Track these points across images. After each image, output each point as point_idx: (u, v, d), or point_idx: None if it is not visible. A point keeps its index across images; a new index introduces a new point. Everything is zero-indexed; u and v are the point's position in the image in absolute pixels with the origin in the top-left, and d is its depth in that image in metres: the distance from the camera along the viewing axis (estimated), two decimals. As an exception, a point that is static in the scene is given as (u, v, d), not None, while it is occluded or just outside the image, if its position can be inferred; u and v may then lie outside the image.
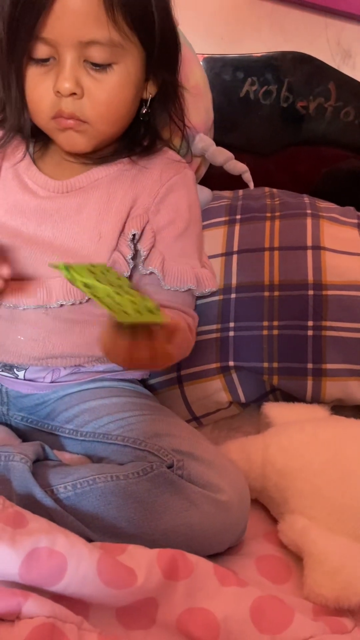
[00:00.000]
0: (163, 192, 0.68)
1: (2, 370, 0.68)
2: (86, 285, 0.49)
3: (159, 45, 0.62)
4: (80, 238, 0.66)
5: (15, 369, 0.68)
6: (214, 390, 0.77)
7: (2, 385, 0.70)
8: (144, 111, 0.67)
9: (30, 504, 0.54)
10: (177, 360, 0.69)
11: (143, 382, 0.78)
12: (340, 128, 1.06)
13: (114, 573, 0.47)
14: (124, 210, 0.66)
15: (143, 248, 0.67)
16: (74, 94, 0.59)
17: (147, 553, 0.50)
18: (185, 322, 0.68)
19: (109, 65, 0.59)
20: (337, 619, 0.50)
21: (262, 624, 0.47)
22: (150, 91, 0.65)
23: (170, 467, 0.58)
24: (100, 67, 0.59)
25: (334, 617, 0.51)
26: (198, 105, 0.86)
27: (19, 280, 0.65)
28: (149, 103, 0.66)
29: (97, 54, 0.58)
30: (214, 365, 0.77)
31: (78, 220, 0.66)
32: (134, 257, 0.68)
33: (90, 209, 0.66)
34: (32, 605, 0.44)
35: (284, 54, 1.03)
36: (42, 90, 0.61)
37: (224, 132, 1.00)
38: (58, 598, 0.46)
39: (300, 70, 1.03)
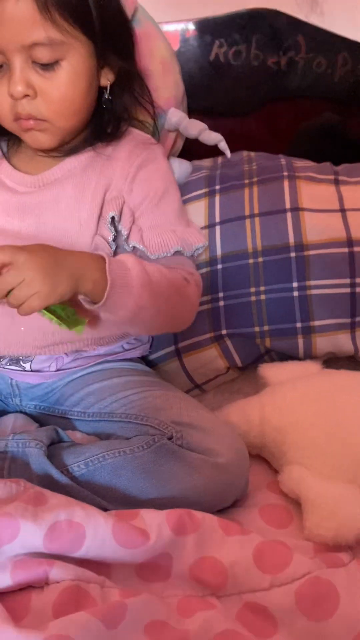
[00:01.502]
0: (133, 171, 0.71)
1: (10, 364, 0.73)
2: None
3: (103, 34, 0.63)
4: (62, 227, 0.69)
5: (21, 362, 0.73)
6: (211, 358, 0.82)
7: (11, 378, 0.75)
8: (105, 98, 0.68)
9: (48, 483, 0.60)
10: (177, 307, 0.71)
11: (144, 358, 0.83)
12: (313, 79, 1.05)
13: (128, 535, 0.53)
14: (99, 195, 0.69)
15: (124, 227, 0.70)
16: (27, 95, 0.62)
17: (157, 515, 0.56)
18: (181, 276, 0.71)
19: (56, 62, 0.62)
20: (334, 555, 0.55)
21: (264, 566, 0.53)
22: (108, 78, 0.67)
23: (170, 438, 0.63)
24: (48, 66, 0.61)
25: (331, 553, 0.56)
26: (167, 79, 0.87)
27: None
28: (109, 89, 0.68)
29: (42, 55, 0.60)
30: (208, 335, 0.81)
31: (58, 211, 0.69)
32: (116, 239, 0.71)
33: (67, 198, 0.69)
34: (58, 571, 0.50)
35: (248, 12, 1.02)
36: (0, 96, 0.63)
37: (199, 98, 1.00)
38: (82, 562, 0.52)
39: (268, 27, 1.02)
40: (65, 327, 0.60)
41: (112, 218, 0.70)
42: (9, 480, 0.57)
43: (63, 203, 0.69)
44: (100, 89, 0.69)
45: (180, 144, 0.93)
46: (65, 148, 0.70)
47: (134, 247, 0.72)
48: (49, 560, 0.50)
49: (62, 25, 0.60)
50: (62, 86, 0.62)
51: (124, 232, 0.70)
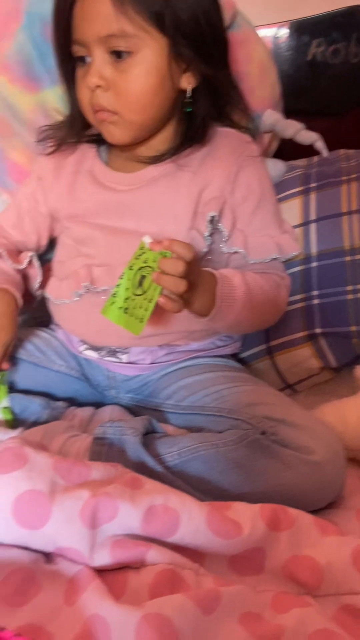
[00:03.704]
0: (235, 171, 0.71)
1: (108, 356, 0.76)
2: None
3: (180, 35, 0.64)
4: (160, 223, 0.71)
5: (118, 354, 0.76)
6: (304, 357, 0.80)
7: (109, 370, 0.78)
8: (186, 100, 0.68)
9: (143, 470, 0.61)
10: (268, 314, 0.75)
11: (235, 356, 0.83)
12: None
13: (222, 525, 0.53)
14: (194, 192, 0.71)
15: (225, 229, 0.71)
16: (101, 87, 0.65)
17: (251, 508, 0.55)
18: (275, 283, 0.73)
19: (129, 56, 0.64)
20: None
21: (365, 569, 0.51)
22: (190, 82, 0.68)
23: (263, 433, 0.63)
24: (122, 58, 0.64)
25: None
26: (264, 81, 0.88)
27: (108, 266, 0.71)
28: (190, 93, 0.68)
29: (116, 46, 0.63)
30: (301, 334, 0.79)
31: (154, 208, 0.71)
32: (213, 235, 0.72)
33: (162, 195, 0.71)
34: (154, 554, 0.51)
35: (349, 9, 1.00)
36: (82, 88, 0.67)
37: (295, 98, 1.00)
38: (176, 548, 0.52)
39: (367, 24, 1.00)
40: (128, 327, 0.62)
41: (212, 217, 0.71)
42: (108, 463, 0.59)
43: (158, 200, 0.71)
44: (176, 93, 0.69)
45: (275, 145, 0.93)
46: (152, 155, 0.71)
47: (234, 250, 0.73)
48: (146, 543, 0.51)
49: (135, 20, 0.62)
50: (131, 79, 0.65)
51: (225, 234, 0.71)
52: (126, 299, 0.60)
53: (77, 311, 0.75)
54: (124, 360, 0.75)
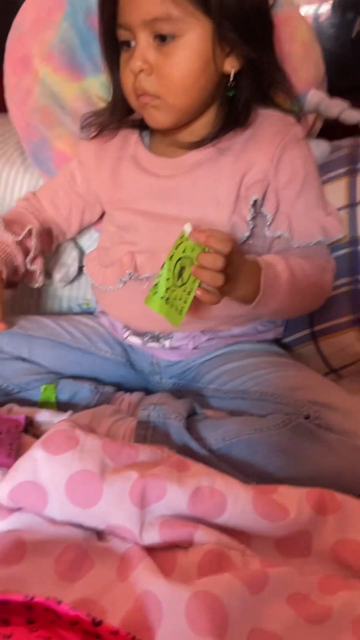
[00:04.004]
0: (278, 153, 0.70)
1: (151, 341, 0.77)
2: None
3: (226, 18, 0.63)
4: (201, 208, 0.71)
5: (161, 339, 0.77)
6: (349, 342, 0.79)
7: (153, 356, 0.79)
8: (230, 85, 0.68)
9: (187, 454, 0.62)
10: (312, 300, 0.74)
11: (278, 341, 0.83)
12: None
13: (268, 507, 0.53)
14: (238, 175, 0.70)
15: (269, 212, 0.70)
16: (144, 70, 0.64)
17: (297, 492, 0.56)
18: (319, 267, 0.72)
19: (173, 39, 0.63)
20: None
21: None
22: (233, 65, 0.67)
23: (307, 417, 0.63)
24: (166, 41, 0.63)
25: None
26: (307, 61, 0.86)
27: (151, 253, 0.72)
28: (233, 77, 0.67)
29: (160, 28, 0.63)
30: (347, 319, 0.78)
31: (196, 192, 0.71)
32: (255, 219, 0.71)
33: (205, 179, 0.71)
34: (202, 534, 0.52)
35: (395, -17, 0.97)
36: (126, 72, 0.67)
37: (339, 77, 0.97)
38: (223, 529, 0.53)
39: None
40: (168, 317, 0.62)
41: (255, 201, 0.70)
42: (154, 446, 0.60)
43: (201, 184, 0.71)
44: (219, 76, 0.68)
45: (319, 125, 0.91)
46: (193, 140, 0.70)
47: (278, 234, 0.72)
48: (193, 523, 0.52)
49: (180, 3, 0.62)
50: (175, 63, 0.64)
51: (269, 217, 0.71)
52: (167, 289, 0.61)
53: (121, 298, 0.76)
54: (167, 346, 0.76)
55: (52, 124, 0.84)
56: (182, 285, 0.61)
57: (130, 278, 0.73)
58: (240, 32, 0.65)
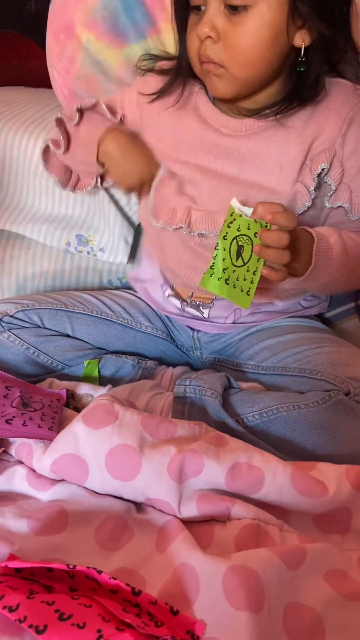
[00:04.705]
0: (347, 123, 0.67)
1: (191, 307, 0.76)
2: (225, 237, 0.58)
3: None
4: (262, 172, 0.69)
5: (201, 306, 0.76)
6: (394, 316, 0.77)
7: (193, 330, 0.79)
8: (300, 59, 0.64)
9: (224, 430, 0.62)
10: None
11: (320, 316, 0.81)
12: None
13: (307, 484, 0.53)
14: (305, 142, 0.67)
15: (333, 182, 0.68)
16: (210, 38, 0.62)
17: (336, 468, 0.55)
18: None
19: (245, 9, 0.60)
20: None
21: None
22: (304, 39, 0.63)
23: (347, 394, 0.61)
24: (237, 11, 0.61)
25: None
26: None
27: (207, 211, 0.70)
28: (303, 51, 0.64)
29: (232, 0, 0.60)
30: (392, 292, 0.76)
31: (259, 155, 0.69)
32: (317, 189, 0.69)
33: (270, 144, 0.69)
34: (239, 509, 0.52)
35: None
36: (192, 37, 0.65)
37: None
38: (261, 505, 0.54)
39: None
40: (232, 298, 0.60)
41: (322, 170, 0.67)
42: (192, 422, 0.61)
43: (264, 149, 0.69)
44: (288, 50, 0.65)
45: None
46: (256, 108, 0.68)
47: (339, 206, 0.69)
48: (231, 498, 0.53)
49: None
50: (244, 33, 0.62)
51: (333, 187, 0.68)
52: (225, 269, 0.59)
53: (171, 243, 0.74)
54: (206, 315, 0.76)
55: (97, 91, 0.83)
56: (243, 265, 0.59)
57: (183, 231, 0.71)
58: (315, 7, 0.61)
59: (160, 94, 0.73)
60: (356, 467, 0.55)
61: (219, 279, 0.59)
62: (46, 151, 0.79)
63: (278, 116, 0.67)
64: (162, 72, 0.75)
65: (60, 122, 0.78)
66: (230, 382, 0.71)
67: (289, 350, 0.71)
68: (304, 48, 0.63)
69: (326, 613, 0.45)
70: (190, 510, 0.52)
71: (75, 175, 0.82)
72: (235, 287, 0.59)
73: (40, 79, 0.96)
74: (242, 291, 0.59)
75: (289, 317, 0.77)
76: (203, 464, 0.53)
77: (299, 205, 0.68)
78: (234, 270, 0.59)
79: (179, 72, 0.72)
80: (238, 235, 0.58)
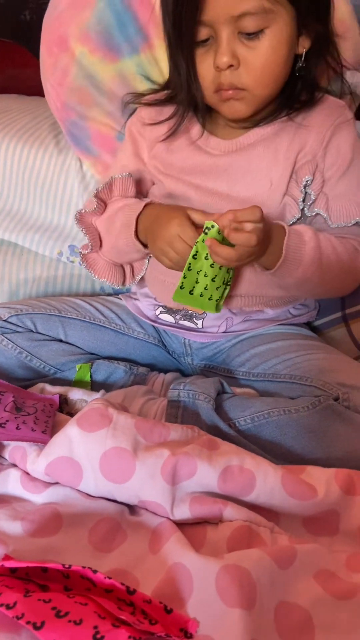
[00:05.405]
0: (328, 135, 0.70)
1: (184, 319, 0.78)
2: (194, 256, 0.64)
3: (308, 0, 0.62)
4: (253, 188, 0.71)
5: (194, 318, 0.77)
6: (380, 325, 0.79)
7: (184, 338, 0.80)
8: (300, 65, 0.67)
9: (217, 434, 0.63)
10: (342, 279, 0.74)
11: (309, 324, 0.83)
12: None
13: (297, 487, 0.54)
14: (292, 156, 0.70)
15: (313, 192, 0.71)
16: (231, 65, 0.63)
17: (325, 472, 0.56)
18: (352, 247, 0.72)
19: (261, 31, 0.62)
20: None
21: None
22: (304, 45, 0.66)
23: (336, 399, 0.63)
24: (253, 35, 0.62)
25: None
26: (345, 40, 0.84)
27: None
28: (304, 57, 0.67)
29: (249, 24, 0.61)
30: (378, 302, 0.78)
31: (249, 171, 0.71)
32: (304, 200, 0.72)
33: (259, 160, 0.71)
34: (231, 511, 0.53)
35: None
36: (204, 68, 0.66)
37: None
38: (252, 507, 0.55)
39: None
40: (204, 307, 0.67)
41: (307, 181, 0.70)
42: (185, 425, 0.61)
43: (254, 165, 0.71)
44: (294, 59, 0.68)
45: (353, 108, 0.89)
46: (257, 118, 0.71)
47: (317, 213, 0.72)
48: (223, 500, 0.54)
49: None
50: (264, 54, 0.63)
51: (313, 196, 0.71)
52: (196, 282, 0.65)
53: (159, 269, 0.75)
54: (200, 326, 0.77)
55: (89, 104, 0.84)
56: (214, 277, 0.64)
57: None
58: (313, 10, 0.64)
59: (162, 121, 0.75)
60: (344, 471, 0.56)
61: (189, 293, 0.65)
62: (85, 259, 0.79)
63: (274, 122, 0.70)
64: (150, 104, 0.77)
65: (82, 219, 0.77)
66: (224, 387, 0.72)
67: (279, 357, 0.73)
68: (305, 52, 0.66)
69: (315, 611, 0.46)
70: (183, 512, 0.53)
71: (129, 268, 0.81)
72: (205, 297, 0.65)
73: (34, 87, 0.98)
74: (210, 300, 0.66)
75: (278, 324, 0.78)
76: (196, 466, 0.54)
77: (288, 217, 0.71)
78: (205, 286, 0.65)
79: (180, 107, 0.73)
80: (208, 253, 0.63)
